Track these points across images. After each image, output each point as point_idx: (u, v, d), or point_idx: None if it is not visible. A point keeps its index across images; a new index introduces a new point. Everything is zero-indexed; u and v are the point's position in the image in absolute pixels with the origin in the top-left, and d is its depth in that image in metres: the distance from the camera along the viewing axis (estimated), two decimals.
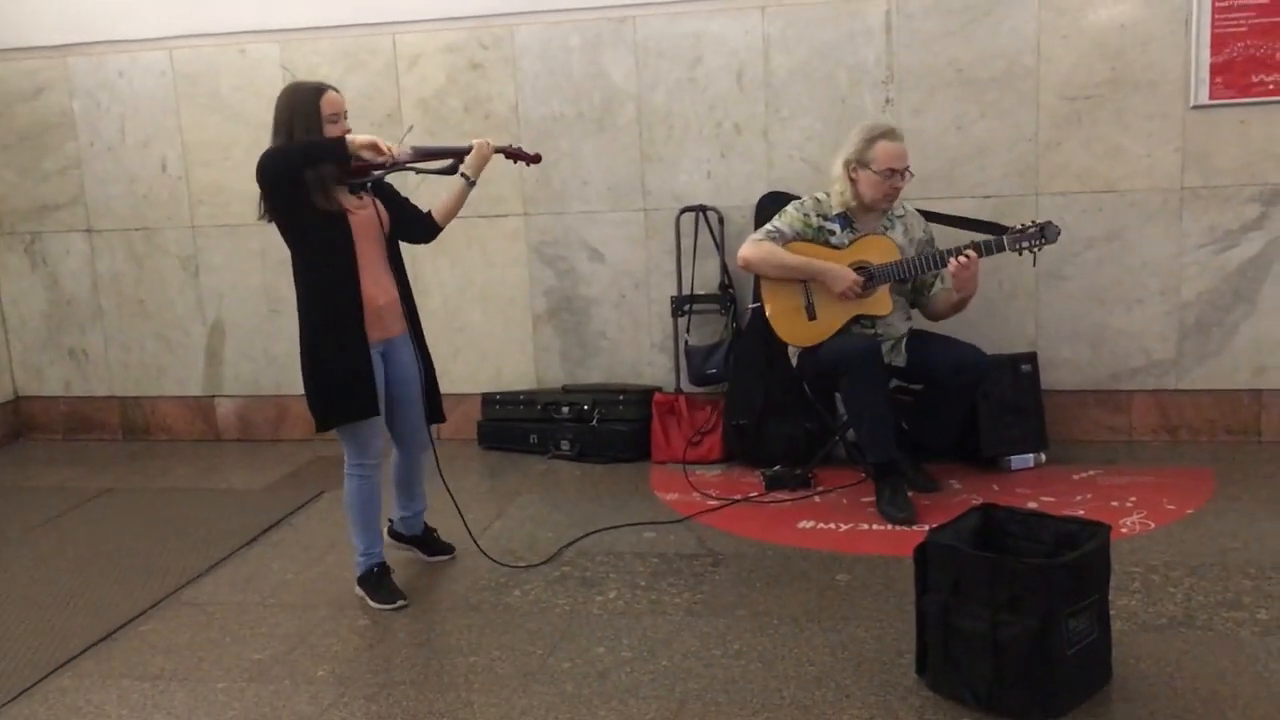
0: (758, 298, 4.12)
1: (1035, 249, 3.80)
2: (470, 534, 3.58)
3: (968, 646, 2.51)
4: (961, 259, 3.75)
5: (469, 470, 4.66)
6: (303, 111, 3.10)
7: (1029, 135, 4.38)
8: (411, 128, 4.03)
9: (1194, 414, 4.46)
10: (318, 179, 3.08)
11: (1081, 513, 3.52)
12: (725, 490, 4.19)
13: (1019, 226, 3.81)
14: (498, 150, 3.43)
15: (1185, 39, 4.19)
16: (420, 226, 3.45)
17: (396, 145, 3.16)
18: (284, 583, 3.58)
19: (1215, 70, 4.18)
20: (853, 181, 3.89)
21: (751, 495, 4.12)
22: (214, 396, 5.35)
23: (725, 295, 4.65)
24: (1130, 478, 4.07)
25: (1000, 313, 4.49)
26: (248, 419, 5.33)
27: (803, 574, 3.39)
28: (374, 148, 3.08)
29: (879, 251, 3.90)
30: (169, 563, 3.77)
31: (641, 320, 4.86)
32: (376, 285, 3.25)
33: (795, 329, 3.99)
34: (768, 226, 4.00)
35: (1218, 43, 4.17)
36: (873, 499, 3.88)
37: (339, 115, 3.16)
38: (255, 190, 3.13)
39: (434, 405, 3.47)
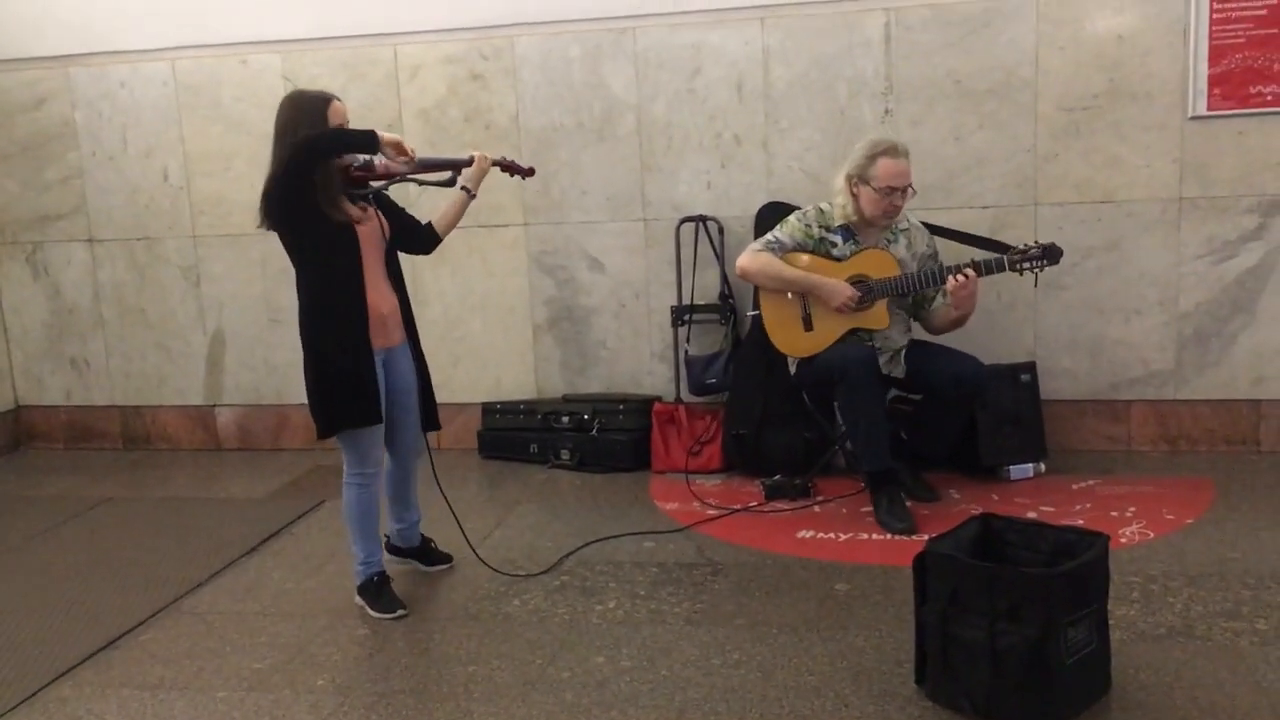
0: (757, 305, 4.13)
1: (1037, 270, 3.78)
2: (469, 543, 3.59)
3: (967, 656, 2.52)
4: (960, 277, 3.74)
5: (469, 479, 4.66)
6: (309, 118, 3.12)
7: (1027, 146, 4.39)
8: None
9: (1193, 424, 4.47)
10: (326, 186, 3.10)
11: (1080, 522, 3.53)
12: (725, 500, 4.20)
13: (1022, 246, 3.79)
14: (494, 164, 3.50)
15: (1183, 50, 4.21)
16: (420, 237, 3.50)
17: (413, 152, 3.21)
18: (284, 592, 3.58)
19: (1213, 81, 4.20)
20: (854, 196, 3.89)
21: (751, 505, 4.12)
22: (214, 406, 5.36)
23: (725, 305, 4.66)
24: (1129, 487, 4.08)
25: (999, 323, 4.49)
26: (248, 428, 5.34)
27: (802, 583, 3.39)
28: (399, 147, 3.15)
29: (878, 266, 3.90)
30: (169, 572, 3.77)
31: (641, 330, 4.87)
32: (379, 294, 3.28)
33: (792, 340, 4.00)
34: (767, 236, 4.01)
35: (1216, 54, 4.18)
36: (872, 509, 3.89)
37: (344, 125, 3.18)
38: (256, 200, 3.14)
39: (429, 413, 3.49)
